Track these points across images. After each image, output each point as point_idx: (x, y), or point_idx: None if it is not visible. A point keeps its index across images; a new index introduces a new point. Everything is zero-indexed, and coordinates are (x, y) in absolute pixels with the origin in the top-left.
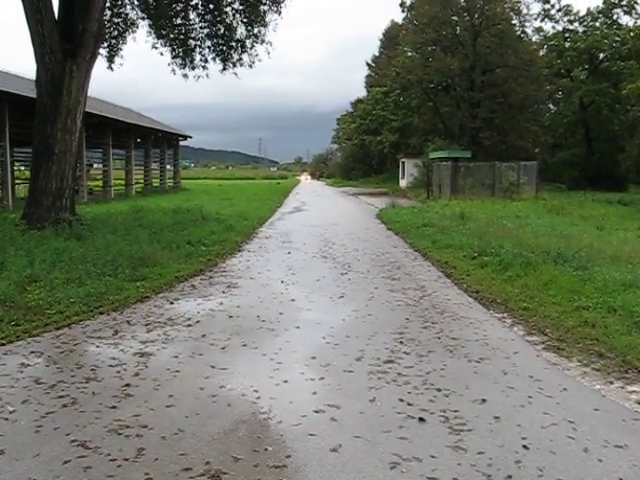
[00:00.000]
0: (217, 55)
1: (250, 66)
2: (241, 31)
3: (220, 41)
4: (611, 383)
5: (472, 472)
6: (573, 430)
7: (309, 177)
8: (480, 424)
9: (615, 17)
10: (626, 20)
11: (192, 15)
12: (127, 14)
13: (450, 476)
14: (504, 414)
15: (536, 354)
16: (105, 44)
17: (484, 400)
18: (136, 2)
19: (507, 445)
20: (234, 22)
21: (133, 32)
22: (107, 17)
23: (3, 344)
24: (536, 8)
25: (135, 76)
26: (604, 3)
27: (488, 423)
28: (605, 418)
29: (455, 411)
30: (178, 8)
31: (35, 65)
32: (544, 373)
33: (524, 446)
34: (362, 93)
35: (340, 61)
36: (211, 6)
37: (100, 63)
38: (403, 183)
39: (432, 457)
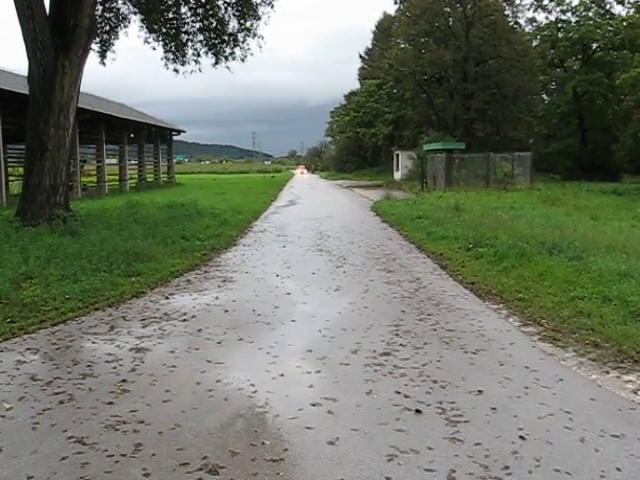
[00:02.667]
0: (209, 49)
1: (242, 60)
2: (233, 25)
3: (212, 35)
4: (607, 373)
5: (469, 463)
6: (569, 420)
7: (305, 171)
8: (477, 415)
9: (608, 7)
10: (619, 10)
11: (184, 9)
12: (119, 9)
13: (447, 467)
14: (500, 405)
15: (532, 345)
16: (97, 39)
17: (480, 391)
18: None
19: (504, 436)
20: (226, 16)
21: (125, 27)
22: (99, 12)
23: None
24: None
25: (128, 71)
26: None
27: (485, 414)
28: (601, 408)
29: (452, 403)
30: (170, 2)
31: (27, 61)
32: (540, 364)
33: (521, 437)
34: (355, 85)
35: (332, 54)
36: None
37: (92, 58)
38: (397, 175)
39: (429, 449)
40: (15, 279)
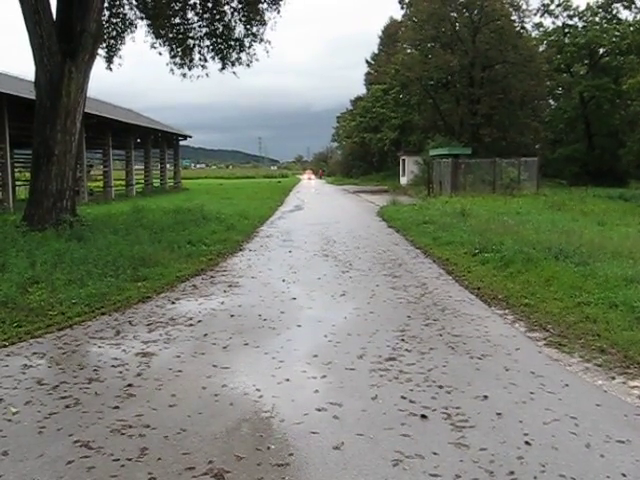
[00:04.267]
0: (216, 54)
1: (248, 65)
2: (240, 30)
3: (219, 40)
4: (613, 379)
5: (474, 468)
6: (575, 426)
7: (312, 176)
8: (482, 420)
9: (615, 12)
10: (626, 15)
11: (190, 14)
12: (125, 14)
13: (452, 473)
14: (506, 410)
15: (538, 350)
16: (104, 44)
17: (486, 397)
18: (134, 2)
19: (509, 441)
20: (233, 21)
21: (132, 32)
22: (105, 17)
23: (5, 345)
24: (535, 3)
25: (134, 76)
26: None
27: (490, 419)
28: (607, 413)
29: (457, 408)
30: (176, 7)
31: (34, 67)
32: (546, 369)
33: (526, 442)
34: (361, 91)
35: (336, 59)
36: (209, 5)
37: (99, 63)
38: (404, 180)
39: (434, 454)
40: (22, 284)
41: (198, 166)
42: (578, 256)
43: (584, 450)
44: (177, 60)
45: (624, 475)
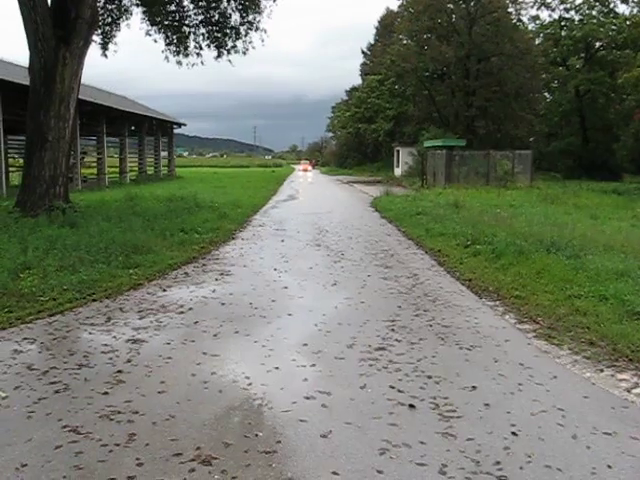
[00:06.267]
0: (211, 42)
1: (244, 53)
2: (235, 18)
3: (214, 28)
4: (601, 371)
5: (461, 458)
6: (562, 417)
7: (309, 167)
8: (470, 411)
9: (611, 5)
10: (622, 9)
11: (186, 2)
12: (121, 0)
13: (439, 462)
14: (494, 401)
15: (527, 342)
16: (99, 31)
17: (474, 387)
18: None
19: (496, 432)
20: (228, 9)
21: (127, 19)
22: (100, 4)
23: None
24: None
25: (130, 64)
26: None
27: (478, 410)
28: (594, 406)
29: (445, 398)
30: None
31: (28, 52)
32: (535, 361)
33: (513, 433)
34: (356, 81)
35: (330, 50)
36: None
37: (94, 50)
38: (398, 171)
39: (421, 443)
40: (13, 269)
41: (209, 155)
42: (570, 249)
43: (570, 441)
44: (172, 48)
45: (609, 467)
